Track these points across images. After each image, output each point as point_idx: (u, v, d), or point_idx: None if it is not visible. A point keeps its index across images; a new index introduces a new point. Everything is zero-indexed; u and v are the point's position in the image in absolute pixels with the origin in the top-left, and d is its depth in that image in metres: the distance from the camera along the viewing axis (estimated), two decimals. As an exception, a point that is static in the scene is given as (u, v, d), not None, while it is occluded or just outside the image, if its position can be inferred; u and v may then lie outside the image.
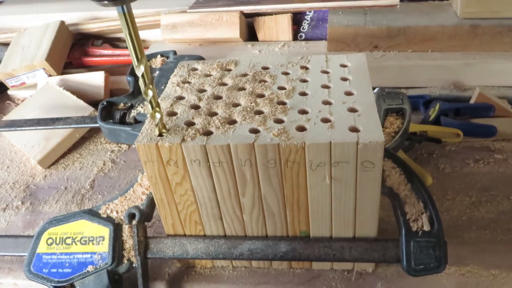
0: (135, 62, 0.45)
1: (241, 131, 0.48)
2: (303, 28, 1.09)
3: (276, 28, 1.06)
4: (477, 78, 0.89)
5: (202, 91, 0.57)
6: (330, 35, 0.95)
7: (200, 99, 0.55)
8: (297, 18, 1.08)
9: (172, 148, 0.48)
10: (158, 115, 0.48)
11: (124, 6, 0.40)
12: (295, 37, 1.09)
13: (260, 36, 1.08)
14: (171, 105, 0.55)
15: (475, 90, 0.85)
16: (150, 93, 0.47)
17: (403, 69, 0.92)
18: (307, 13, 1.07)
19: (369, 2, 0.94)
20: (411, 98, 0.83)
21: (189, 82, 0.59)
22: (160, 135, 0.49)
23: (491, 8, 0.88)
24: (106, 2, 0.38)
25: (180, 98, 0.56)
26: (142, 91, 0.47)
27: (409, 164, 0.56)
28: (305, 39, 1.09)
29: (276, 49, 1.03)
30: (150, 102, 0.47)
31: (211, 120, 0.50)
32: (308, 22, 1.09)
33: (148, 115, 0.50)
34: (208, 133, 0.49)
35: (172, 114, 0.53)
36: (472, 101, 0.84)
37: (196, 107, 0.54)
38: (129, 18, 0.41)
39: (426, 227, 0.51)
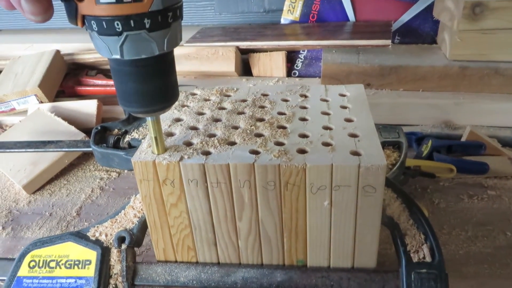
0: None
1: (241, 152, 0.47)
2: (296, 66, 1.12)
3: (271, 64, 1.08)
4: (467, 118, 0.91)
5: (201, 114, 0.57)
6: (324, 71, 0.97)
7: (198, 121, 0.54)
8: (291, 56, 1.11)
9: (170, 166, 0.47)
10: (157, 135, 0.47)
11: (154, 116, 0.46)
12: (288, 74, 1.12)
13: (254, 71, 1.10)
14: (169, 126, 0.54)
15: (465, 129, 0.87)
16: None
17: (395, 106, 0.93)
18: (301, 51, 1.10)
19: (362, 41, 0.97)
20: (403, 135, 0.84)
21: (187, 106, 0.59)
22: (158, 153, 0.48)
23: (479, 51, 0.92)
24: (140, 115, 0.46)
25: (178, 120, 0.56)
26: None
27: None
28: (298, 76, 1.11)
29: (270, 84, 1.04)
30: (153, 122, 0.47)
31: (209, 141, 0.50)
32: (302, 60, 1.12)
33: (145, 137, 0.49)
34: (207, 153, 0.48)
35: (169, 134, 0.52)
36: (463, 139, 0.86)
37: (194, 128, 0.53)
38: (156, 125, 0.47)
39: (428, 258, 0.50)
